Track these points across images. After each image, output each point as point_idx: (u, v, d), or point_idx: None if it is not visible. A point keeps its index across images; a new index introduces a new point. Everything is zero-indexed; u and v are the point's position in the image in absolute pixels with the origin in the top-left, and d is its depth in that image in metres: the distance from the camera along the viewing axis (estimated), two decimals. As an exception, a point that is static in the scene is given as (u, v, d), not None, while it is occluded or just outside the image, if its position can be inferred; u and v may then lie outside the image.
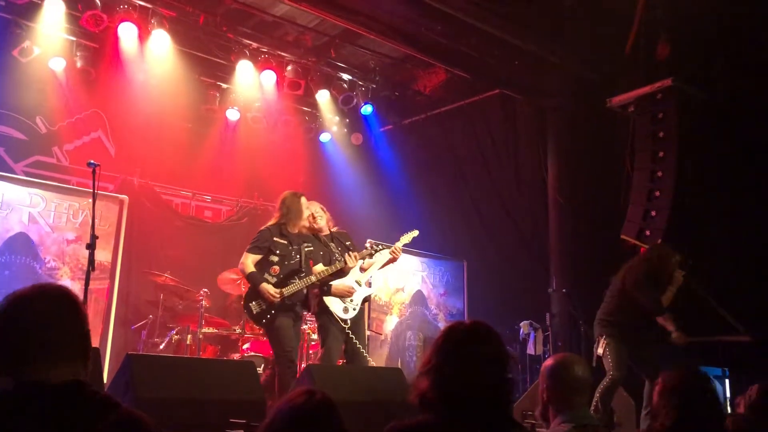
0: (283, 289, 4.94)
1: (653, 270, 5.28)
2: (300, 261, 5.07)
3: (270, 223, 5.25)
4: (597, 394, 4.97)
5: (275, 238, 5.08)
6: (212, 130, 8.89)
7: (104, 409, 1.52)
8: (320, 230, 5.34)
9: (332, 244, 5.33)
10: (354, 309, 5.20)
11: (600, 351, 5.19)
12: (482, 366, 1.85)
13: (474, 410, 1.81)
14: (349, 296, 5.20)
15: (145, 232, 7.88)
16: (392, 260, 5.44)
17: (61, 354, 1.58)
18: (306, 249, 5.14)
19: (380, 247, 5.38)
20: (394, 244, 5.37)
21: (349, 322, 5.15)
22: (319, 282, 5.10)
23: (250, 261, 5.02)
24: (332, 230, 5.46)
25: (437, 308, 8.56)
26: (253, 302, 4.99)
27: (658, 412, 2.51)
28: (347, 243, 5.42)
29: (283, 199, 5.27)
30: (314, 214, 5.31)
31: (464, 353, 1.87)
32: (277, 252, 5.06)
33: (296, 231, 5.20)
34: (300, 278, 5.01)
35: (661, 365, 5.04)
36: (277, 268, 5.03)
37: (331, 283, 5.18)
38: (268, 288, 4.91)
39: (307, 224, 5.28)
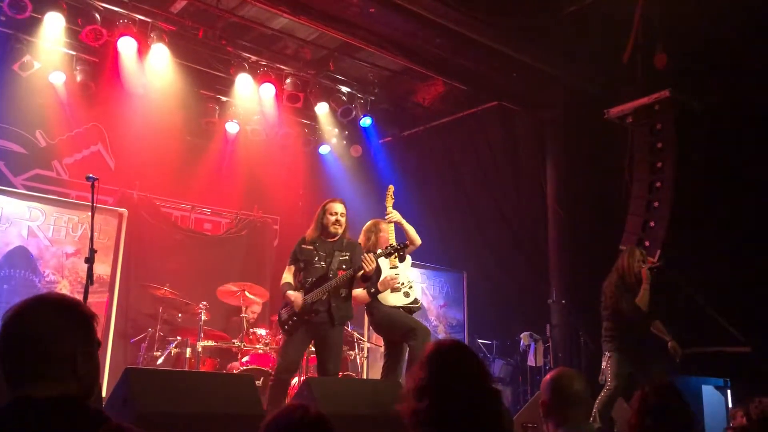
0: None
1: (622, 275, 5.32)
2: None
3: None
4: (596, 405, 4.98)
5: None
6: (212, 143, 8.91)
7: (94, 424, 1.51)
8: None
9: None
10: (411, 288, 5.22)
11: (604, 364, 5.26)
12: (466, 379, 1.91)
13: (465, 424, 1.84)
14: (397, 282, 5.17)
15: (145, 245, 7.87)
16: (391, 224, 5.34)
17: (55, 370, 1.57)
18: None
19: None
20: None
21: (419, 301, 5.28)
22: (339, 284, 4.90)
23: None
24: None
25: (437, 320, 8.53)
26: None
27: (632, 424, 2.59)
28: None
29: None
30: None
31: (450, 369, 1.93)
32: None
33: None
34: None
35: (664, 378, 5.04)
36: None
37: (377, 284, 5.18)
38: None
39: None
